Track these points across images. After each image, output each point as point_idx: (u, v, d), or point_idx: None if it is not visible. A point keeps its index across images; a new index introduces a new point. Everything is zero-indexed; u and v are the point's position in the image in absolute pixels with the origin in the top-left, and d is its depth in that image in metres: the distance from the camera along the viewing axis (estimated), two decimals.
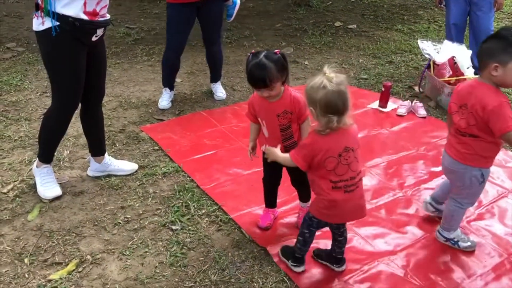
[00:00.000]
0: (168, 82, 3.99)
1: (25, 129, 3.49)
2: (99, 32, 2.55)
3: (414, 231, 2.55)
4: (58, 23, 2.36)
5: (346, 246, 2.26)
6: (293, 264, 2.25)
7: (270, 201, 2.58)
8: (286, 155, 2.05)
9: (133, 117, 3.76)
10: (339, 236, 2.20)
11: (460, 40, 4.47)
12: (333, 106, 1.86)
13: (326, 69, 1.89)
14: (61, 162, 3.09)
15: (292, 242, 2.42)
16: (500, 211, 2.72)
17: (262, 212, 2.62)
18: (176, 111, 3.89)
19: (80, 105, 2.77)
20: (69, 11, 2.35)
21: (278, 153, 2.12)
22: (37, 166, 2.80)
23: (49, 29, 2.37)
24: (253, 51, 2.17)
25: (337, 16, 6.96)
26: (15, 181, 2.89)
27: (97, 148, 2.95)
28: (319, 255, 2.33)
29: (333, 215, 2.07)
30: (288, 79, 2.22)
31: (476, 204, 2.77)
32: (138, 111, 3.87)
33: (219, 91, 4.16)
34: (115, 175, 2.96)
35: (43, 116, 2.80)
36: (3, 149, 3.22)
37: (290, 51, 5.37)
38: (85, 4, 2.38)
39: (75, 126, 3.52)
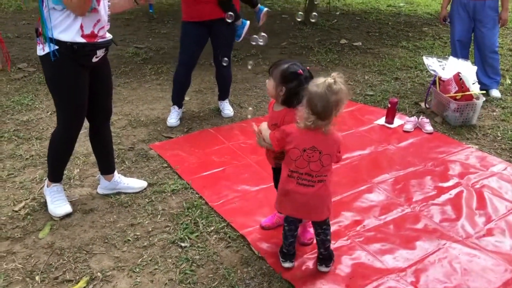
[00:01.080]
0: (178, 99, 4.05)
1: (36, 148, 3.54)
2: (99, 53, 2.57)
3: (423, 247, 2.54)
4: (57, 47, 2.42)
5: (355, 262, 2.28)
6: (281, 259, 2.39)
7: None
8: (268, 131, 2.24)
9: (142, 135, 3.81)
10: (317, 236, 2.33)
11: (465, 56, 4.51)
12: (313, 106, 2.02)
13: (334, 74, 2.04)
14: (71, 180, 3.13)
15: (302, 261, 2.43)
16: (509, 226, 2.71)
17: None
18: (184, 129, 3.94)
19: (88, 124, 2.83)
20: (66, 36, 2.41)
21: (265, 126, 2.28)
22: (47, 186, 2.85)
23: (49, 53, 2.43)
24: (308, 67, 2.28)
25: (342, 34, 7.04)
26: (27, 199, 2.93)
27: (106, 167, 2.99)
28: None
29: (285, 205, 2.26)
30: (289, 98, 2.21)
31: (484, 219, 2.77)
32: (147, 129, 3.92)
33: (227, 109, 4.21)
34: (125, 193, 3.00)
35: (51, 135, 2.84)
36: (14, 167, 3.27)
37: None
38: (81, 27, 2.42)
39: (85, 145, 3.57)
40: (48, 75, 2.57)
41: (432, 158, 3.46)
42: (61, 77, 2.53)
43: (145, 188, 3.05)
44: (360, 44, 6.50)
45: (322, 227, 2.29)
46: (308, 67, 2.27)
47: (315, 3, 7.61)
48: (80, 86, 2.58)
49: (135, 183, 3.07)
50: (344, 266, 2.40)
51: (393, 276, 2.33)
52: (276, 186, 2.52)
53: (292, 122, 2.17)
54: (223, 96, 4.24)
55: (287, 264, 2.37)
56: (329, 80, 2.01)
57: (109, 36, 2.61)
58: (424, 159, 3.45)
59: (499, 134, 3.87)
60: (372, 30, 7.24)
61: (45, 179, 2.90)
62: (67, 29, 2.40)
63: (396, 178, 3.21)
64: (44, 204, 2.85)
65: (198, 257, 2.46)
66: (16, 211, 2.81)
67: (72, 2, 2.31)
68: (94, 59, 2.56)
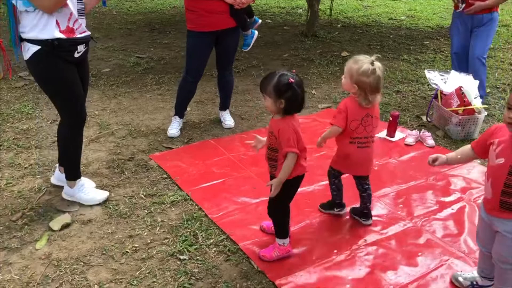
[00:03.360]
0: (180, 109, 4.04)
1: (36, 157, 3.52)
2: (80, 48, 2.67)
3: (425, 263, 2.51)
4: (39, 47, 2.52)
5: (356, 277, 2.26)
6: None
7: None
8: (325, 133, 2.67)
9: (142, 145, 3.79)
10: (363, 192, 2.77)
11: (462, 69, 4.51)
12: (377, 89, 2.49)
13: (374, 58, 2.47)
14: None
15: (304, 275, 2.40)
16: None
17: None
18: (184, 139, 3.92)
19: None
20: (45, 34, 2.51)
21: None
22: (70, 187, 2.92)
23: (33, 55, 2.54)
24: (293, 70, 2.35)
25: (343, 46, 7.05)
26: (24, 209, 2.90)
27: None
28: (353, 210, 2.89)
29: (342, 164, 2.70)
30: (290, 107, 2.27)
31: None
32: (147, 139, 3.90)
33: (228, 120, 4.20)
34: (115, 174, 3.20)
35: (58, 136, 2.92)
36: (13, 176, 3.25)
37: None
38: (57, 24, 2.53)
39: (85, 155, 3.55)
40: (38, 76, 2.67)
41: (434, 172, 3.43)
42: (50, 74, 2.62)
43: (140, 195, 3.04)
44: None
45: (367, 182, 2.75)
46: (293, 70, 2.33)
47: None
48: (70, 78, 2.69)
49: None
50: (345, 281, 2.36)
51: None
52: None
53: (286, 130, 2.26)
54: (224, 105, 4.23)
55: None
56: (374, 63, 2.44)
57: (88, 32, 2.71)
58: (426, 173, 3.43)
59: None
60: (373, 43, 7.26)
61: (65, 184, 2.96)
62: (45, 28, 2.50)
63: (397, 192, 3.19)
64: (42, 215, 2.83)
65: (197, 270, 2.43)
66: (14, 221, 2.78)
67: (43, 2, 2.41)
68: (76, 54, 2.66)
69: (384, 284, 2.35)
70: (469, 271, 2.37)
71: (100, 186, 3.15)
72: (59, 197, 3.01)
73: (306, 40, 7.33)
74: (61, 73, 2.63)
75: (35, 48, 2.53)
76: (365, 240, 2.68)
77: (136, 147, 3.76)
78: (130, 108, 4.55)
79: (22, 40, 2.55)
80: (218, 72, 4.09)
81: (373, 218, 2.87)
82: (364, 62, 2.45)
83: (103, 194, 2.99)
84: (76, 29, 2.62)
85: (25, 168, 3.37)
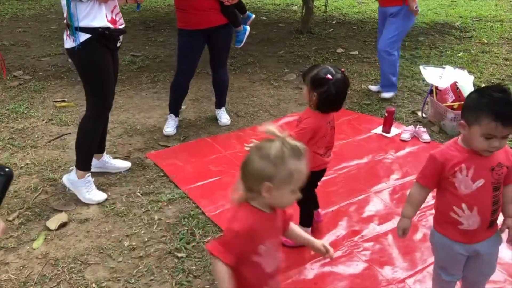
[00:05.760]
0: (175, 108, 4.02)
1: (31, 157, 3.51)
2: (121, 38, 2.89)
3: (422, 257, 2.52)
4: (89, 35, 2.66)
5: (353, 273, 2.28)
6: None
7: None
8: None
9: (138, 143, 3.78)
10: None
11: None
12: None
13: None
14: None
15: (301, 272, 2.40)
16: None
17: None
18: (181, 137, 3.91)
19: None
20: (97, 23, 2.66)
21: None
22: (78, 178, 2.94)
23: (83, 42, 2.66)
24: (342, 69, 2.34)
25: (339, 43, 7.05)
26: (21, 208, 2.89)
27: (99, 146, 3.16)
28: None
29: None
30: (321, 103, 2.28)
31: None
32: (143, 137, 3.90)
33: (224, 117, 4.20)
34: (112, 173, 3.26)
35: (80, 124, 2.96)
36: None
37: (293, 78, 5.43)
38: (105, 14, 2.70)
39: None
40: (81, 63, 2.79)
41: None
42: (95, 62, 2.77)
43: (129, 169, 3.30)
44: (357, 53, 6.52)
45: None
46: (342, 69, 2.31)
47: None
48: (110, 68, 2.86)
49: (121, 164, 3.34)
50: (342, 277, 2.37)
51: (391, 287, 2.30)
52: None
53: (306, 122, 2.29)
54: (220, 103, 4.23)
55: None
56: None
57: (124, 23, 2.89)
58: None
59: None
60: (369, 39, 7.27)
61: (73, 170, 2.98)
62: (96, 17, 2.66)
63: (394, 187, 3.20)
64: (39, 214, 2.83)
65: (194, 267, 2.43)
66: (10, 221, 2.77)
67: None
68: (118, 44, 2.87)
69: (381, 280, 2.36)
70: None
71: (97, 185, 3.14)
72: (55, 196, 3.01)
73: (301, 37, 7.33)
74: (104, 61, 2.79)
75: (86, 36, 2.66)
76: (362, 236, 2.69)
77: (132, 145, 3.75)
78: (126, 107, 4.54)
79: (69, 28, 2.67)
80: (212, 71, 4.07)
81: (370, 213, 2.88)
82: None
83: (102, 196, 2.99)
84: (118, 20, 2.80)
85: (21, 167, 3.35)
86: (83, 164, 2.96)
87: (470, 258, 1.89)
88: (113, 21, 2.76)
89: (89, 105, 2.91)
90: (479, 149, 1.70)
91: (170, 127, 3.95)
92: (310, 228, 2.60)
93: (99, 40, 2.69)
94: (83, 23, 2.64)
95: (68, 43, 2.72)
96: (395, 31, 4.55)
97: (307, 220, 2.59)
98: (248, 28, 3.99)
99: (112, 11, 2.75)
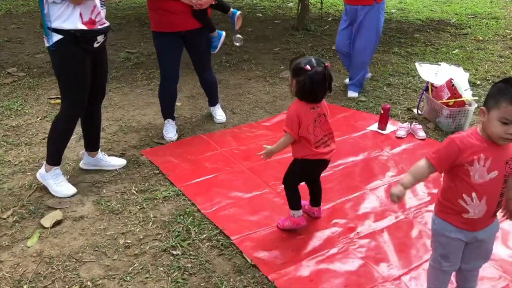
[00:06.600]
0: (169, 113, 3.91)
1: (26, 154, 3.48)
2: (100, 38, 2.83)
3: (417, 254, 2.53)
4: (61, 36, 2.67)
5: (349, 270, 2.27)
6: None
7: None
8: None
9: (133, 141, 3.77)
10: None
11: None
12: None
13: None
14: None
15: (297, 268, 2.40)
16: (503, 233, 2.70)
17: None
18: (176, 135, 3.90)
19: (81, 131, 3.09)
20: (68, 25, 2.66)
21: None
22: (46, 171, 2.97)
23: (55, 43, 2.68)
24: (328, 63, 2.38)
25: (334, 40, 7.01)
26: (15, 206, 2.87)
27: (92, 144, 3.24)
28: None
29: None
30: (298, 91, 2.41)
31: None
32: (138, 135, 3.88)
33: (219, 115, 4.18)
34: (107, 171, 3.26)
35: (53, 122, 3.00)
36: (3, 174, 3.22)
37: (289, 75, 5.41)
38: (80, 15, 2.67)
39: (75, 151, 3.53)
40: (56, 62, 2.80)
41: None
42: (67, 63, 2.77)
43: (123, 166, 3.32)
44: None
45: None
46: (328, 64, 2.34)
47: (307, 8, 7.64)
48: (84, 69, 2.83)
49: (116, 161, 3.34)
50: (338, 274, 2.37)
51: (387, 284, 2.31)
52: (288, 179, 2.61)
53: (289, 110, 2.43)
54: (212, 101, 4.20)
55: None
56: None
57: (107, 22, 2.85)
58: None
59: None
60: None
61: (43, 165, 3.03)
62: (69, 18, 2.65)
63: (389, 184, 3.20)
64: (33, 212, 2.81)
65: (190, 265, 2.42)
66: (4, 219, 2.75)
67: None
68: (96, 45, 2.82)
69: (377, 276, 2.36)
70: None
71: (92, 182, 3.14)
72: (50, 194, 2.99)
73: (297, 33, 7.32)
74: (76, 62, 2.78)
75: (58, 37, 2.67)
76: (358, 233, 2.69)
77: (127, 142, 3.74)
78: (121, 104, 4.52)
79: (49, 29, 2.68)
80: (197, 75, 3.99)
81: (365, 210, 2.89)
82: None
83: (71, 190, 2.99)
84: (98, 21, 2.76)
85: (15, 165, 3.33)
86: (51, 159, 2.99)
87: (467, 246, 1.94)
88: (91, 22, 2.72)
89: (63, 105, 2.92)
90: (494, 135, 1.72)
91: (170, 133, 3.84)
92: (300, 212, 2.64)
93: (72, 41, 2.68)
94: (55, 24, 2.65)
95: (45, 42, 2.74)
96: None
97: (295, 203, 2.63)
98: (223, 33, 3.86)
99: (92, 12, 2.71)
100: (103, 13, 2.81)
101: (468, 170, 1.78)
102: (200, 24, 3.61)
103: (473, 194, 1.80)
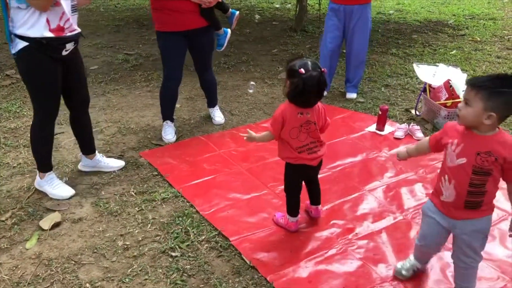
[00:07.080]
0: (168, 114, 3.90)
1: (24, 156, 3.48)
2: (69, 46, 2.71)
3: None
4: (27, 44, 2.56)
5: (347, 270, 2.27)
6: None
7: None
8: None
9: (132, 142, 3.77)
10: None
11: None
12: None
13: None
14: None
15: (295, 270, 2.40)
16: (501, 233, 2.71)
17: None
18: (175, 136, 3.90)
19: (69, 112, 3.09)
20: (34, 32, 2.55)
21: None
22: (40, 178, 2.98)
23: (20, 50, 2.59)
24: (323, 69, 2.36)
25: None
26: (14, 208, 2.87)
27: (86, 148, 3.24)
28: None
29: None
30: (291, 93, 2.36)
31: None
32: (137, 136, 3.88)
33: (217, 116, 4.19)
34: (105, 172, 3.27)
35: (30, 131, 2.96)
36: (1, 176, 3.21)
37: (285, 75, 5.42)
38: (48, 22, 2.55)
39: (74, 152, 3.53)
40: (22, 70, 2.69)
41: (424, 165, 3.46)
42: (33, 70, 2.66)
43: (122, 168, 3.33)
44: None
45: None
46: (323, 69, 2.33)
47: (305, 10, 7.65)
48: (52, 77, 2.72)
49: (114, 163, 3.33)
50: (337, 275, 2.38)
51: (386, 285, 2.31)
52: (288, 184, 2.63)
53: (277, 110, 2.40)
54: (211, 102, 4.21)
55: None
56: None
57: (77, 29, 2.74)
58: (416, 166, 3.45)
59: None
60: None
61: (35, 176, 3.03)
62: (34, 25, 2.53)
63: (388, 185, 3.21)
64: (32, 214, 2.81)
65: (189, 266, 2.43)
66: (3, 221, 2.75)
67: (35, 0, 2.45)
68: (64, 52, 2.70)
69: (375, 277, 2.36)
70: (405, 260, 2.39)
71: (90, 184, 3.14)
72: (48, 196, 2.99)
73: (295, 35, 7.33)
74: (43, 70, 2.67)
75: (23, 44, 2.57)
76: (356, 233, 2.70)
77: (125, 144, 3.74)
78: (119, 106, 4.52)
79: (15, 36, 2.59)
80: (198, 75, 3.99)
81: (364, 211, 2.89)
82: None
83: (69, 191, 2.99)
84: (67, 28, 2.64)
85: (14, 167, 3.33)
86: (40, 167, 2.99)
87: (454, 237, 2.07)
88: (59, 29, 2.60)
89: (34, 112, 2.84)
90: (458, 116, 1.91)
91: (169, 134, 3.83)
92: (298, 217, 2.67)
93: (38, 48, 2.57)
94: (20, 31, 2.54)
95: (11, 50, 2.64)
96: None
97: (291, 209, 2.66)
98: (229, 31, 3.89)
99: (60, 18, 2.58)
100: (73, 19, 2.68)
101: (445, 153, 1.96)
102: (205, 23, 3.60)
103: (446, 176, 1.96)
